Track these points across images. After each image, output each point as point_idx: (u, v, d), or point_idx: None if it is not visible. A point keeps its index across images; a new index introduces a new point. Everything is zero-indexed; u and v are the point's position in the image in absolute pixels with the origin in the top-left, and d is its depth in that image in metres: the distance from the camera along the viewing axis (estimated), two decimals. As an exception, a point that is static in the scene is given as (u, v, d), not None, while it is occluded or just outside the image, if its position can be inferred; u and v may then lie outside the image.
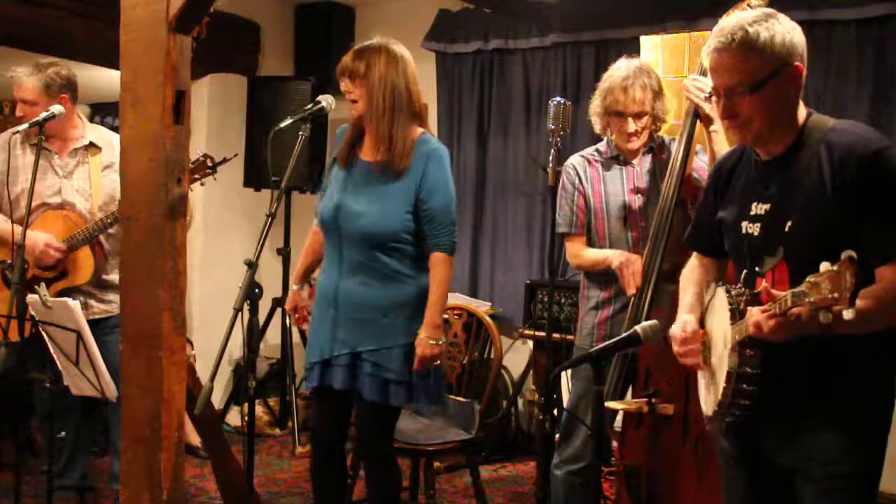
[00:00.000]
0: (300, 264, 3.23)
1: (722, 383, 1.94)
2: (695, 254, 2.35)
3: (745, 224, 2.04)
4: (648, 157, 3.10)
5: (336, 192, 2.96)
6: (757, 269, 1.98)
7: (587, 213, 3.13)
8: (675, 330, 2.15)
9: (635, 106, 2.97)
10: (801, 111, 1.99)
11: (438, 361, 2.91)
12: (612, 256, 3.01)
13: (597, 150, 3.17)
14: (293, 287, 3.21)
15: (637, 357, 2.93)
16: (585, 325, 3.17)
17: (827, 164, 1.89)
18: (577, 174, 3.14)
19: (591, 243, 3.15)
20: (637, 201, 3.06)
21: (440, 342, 2.88)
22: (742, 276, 2.02)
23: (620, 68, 3.03)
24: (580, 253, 3.14)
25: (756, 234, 2.00)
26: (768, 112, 1.93)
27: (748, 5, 2.87)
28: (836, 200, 1.86)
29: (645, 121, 3.01)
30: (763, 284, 1.78)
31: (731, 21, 1.93)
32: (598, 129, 3.15)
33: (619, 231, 3.08)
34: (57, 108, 3.27)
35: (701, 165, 3.01)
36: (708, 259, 2.30)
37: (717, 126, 2.79)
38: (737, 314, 1.90)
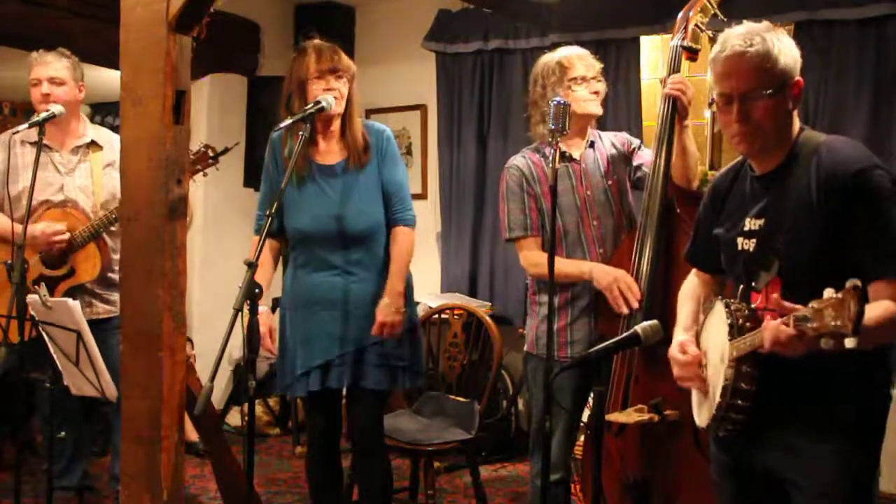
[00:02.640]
0: (268, 282, 3.02)
1: (717, 398, 1.95)
2: (694, 270, 2.35)
3: (740, 240, 2.05)
4: (591, 152, 3.07)
5: (307, 204, 2.97)
6: (753, 284, 1.99)
7: (540, 215, 3.02)
8: (674, 352, 2.14)
9: (593, 70, 3.01)
10: (795, 126, 2.01)
11: (398, 329, 2.93)
12: (597, 275, 2.88)
13: (537, 150, 3.09)
14: (264, 308, 2.93)
15: (609, 366, 2.85)
16: (542, 334, 2.96)
17: (815, 181, 1.91)
18: (524, 175, 3.04)
19: (544, 246, 2.99)
20: (588, 198, 3.02)
21: (401, 310, 2.94)
22: (739, 292, 2.02)
23: (563, 48, 3.08)
24: (542, 261, 2.82)
25: (751, 249, 2.01)
26: (778, 119, 1.95)
27: (708, 2, 2.87)
28: (823, 217, 1.88)
29: (602, 87, 3.04)
30: (773, 296, 1.79)
31: (740, 30, 1.95)
32: (539, 130, 3.03)
33: (575, 230, 3.00)
34: (56, 108, 3.29)
35: (648, 159, 2.98)
36: (707, 275, 2.30)
37: (688, 122, 2.84)
38: (735, 329, 1.90)
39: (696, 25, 2.87)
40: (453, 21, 5.34)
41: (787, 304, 1.73)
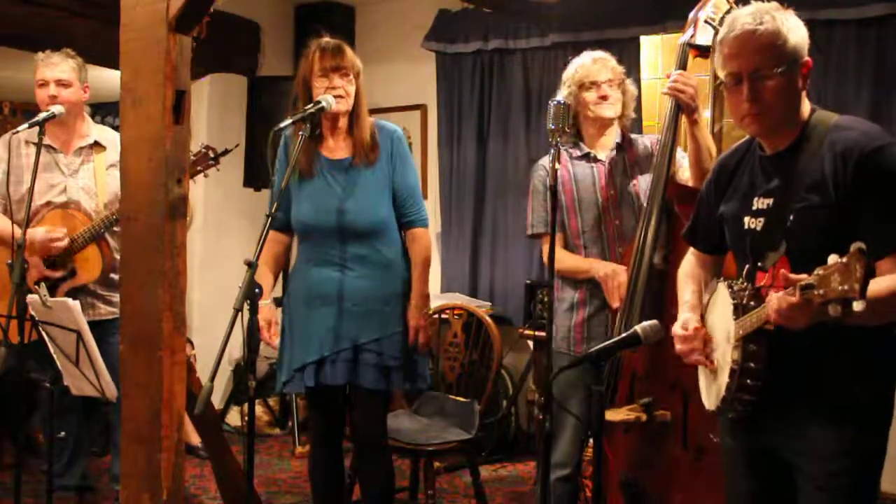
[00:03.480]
0: (269, 278, 3.06)
1: (725, 379, 1.94)
2: (691, 249, 2.34)
3: (747, 219, 2.03)
4: (618, 153, 3.09)
5: (318, 198, 2.98)
6: (759, 264, 1.98)
7: (561, 212, 3.10)
8: (677, 329, 2.14)
9: (608, 73, 3.04)
10: (806, 106, 2.00)
11: (430, 333, 2.96)
12: (597, 267, 2.99)
13: (565, 151, 3.14)
14: (265, 302, 3.00)
15: (619, 363, 2.88)
16: (561, 328, 3.11)
17: (829, 159, 1.89)
18: (548, 174, 3.06)
19: (566, 243, 3.12)
20: (612, 197, 3.05)
21: (429, 313, 2.97)
22: (744, 271, 2.02)
23: (584, 54, 3.12)
24: (558, 257, 2.99)
25: (759, 228, 2.00)
26: (789, 98, 1.94)
27: None
28: (836, 195, 1.86)
29: (617, 90, 3.04)
30: (781, 271, 1.77)
31: (748, 9, 1.94)
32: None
33: (594, 229, 3.06)
34: (57, 108, 3.29)
35: (678, 160, 2.99)
36: (705, 256, 2.29)
37: (698, 116, 2.81)
38: (740, 309, 1.90)
39: (706, 21, 2.85)
40: (453, 21, 5.34)
41: (793, 276, 1.71)
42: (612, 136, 3.11)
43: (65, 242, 3.38)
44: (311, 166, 2.99)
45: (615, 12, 4.66)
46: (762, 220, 2.00)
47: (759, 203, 2.01)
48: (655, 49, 4.84)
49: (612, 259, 3.02)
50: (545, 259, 3.15)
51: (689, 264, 2.33)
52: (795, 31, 1.92)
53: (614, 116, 3.07)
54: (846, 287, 1.53)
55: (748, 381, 1.91)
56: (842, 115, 2.02)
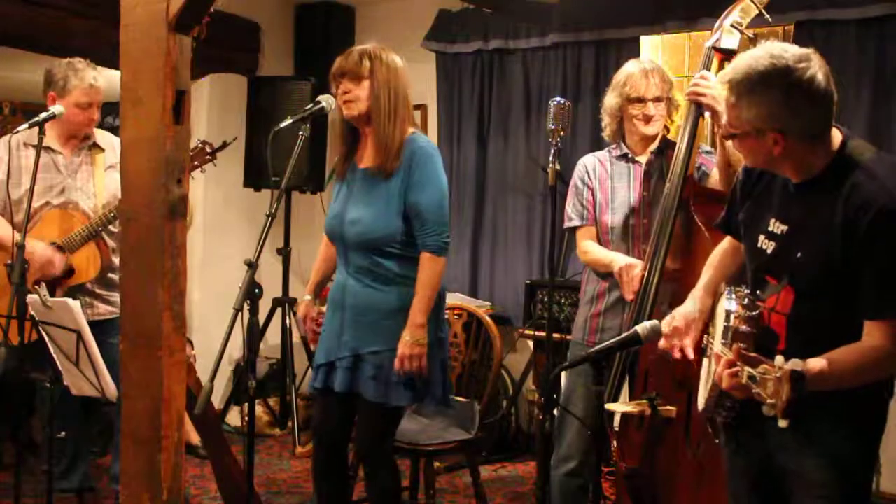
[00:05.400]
0: (314, 275, 3.22)
1: (711, 379, 1.96)
2: (727, 237, 2.33)
3: (761, 238, 2.02)
4: (658, 157, 3.12)
5: (337, 204, 3.02)
6: (758, 292, 1.98)
7: (595, 207, 3.18)
8: (675, 314, 2.15)
9: (656, 90, 3.02)
10: (835, 137, 1.95)
11: (420, 363, 2.84)
12: (616, 260, 3.03)
13: (608, 151, 3.23)
14: (306, 297, 3.16)
15: (637, 356, 2.92)
16: (579, 318, 3.23)
17: (845, 208, 1.85)
18: (587, 171, 3.20)
19: (597, 239, 3.19)
20: (644, 198, 3.08)
21: (422, 343, 2.84)
22: (751, 287, 2.02)
23: (636, 62, 3.12)
24: (587, 248, 3.18)
25: (769, 251, 2.00)
26: (756, 155, 1.94)
27: (752, 1, 2.86)
28: (843, 244, 1.84)
29: (662, 107, 3.05)
30: (735, 346, 1.80)
31: (745, 58, 1.92)
32: (607, 132, 3.17)
33: (623, 226, 3.11)
34: (57, 108, 3.29)
35: (708, 159, 3.02)
36: (738, 242, 2.27)
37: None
38: (728, 332, 1.90)
39: (732, 25, 2.83)
40: (453, 21, 5.34)
41: (746, 354, 1.74)
42: (658, 140, 3.13)
43: (58, 270, 3.37)
44: (344, 173, 3.01)
45: (615, 12, 4.65)
46: (774, 244, 1.99)
47: (776, 226, 1.99)
48: (655, 49, 4.84)
49: (637, 257, 3.04)
50: (578, 251, 3.28)
51: (720, 250, 2.32)
52: (762, 101, 1.86)
53: (657, 133, 3.09)
54: (773, 401, 1.57)
55: None
56: (840, 116, 2.00)
